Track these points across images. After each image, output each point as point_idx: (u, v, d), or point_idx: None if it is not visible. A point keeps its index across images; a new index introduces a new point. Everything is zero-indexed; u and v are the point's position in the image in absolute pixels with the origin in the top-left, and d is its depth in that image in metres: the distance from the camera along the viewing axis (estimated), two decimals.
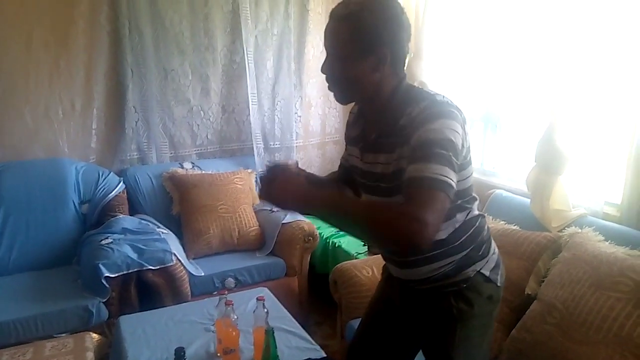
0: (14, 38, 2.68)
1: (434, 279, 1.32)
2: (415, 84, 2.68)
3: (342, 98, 1.31)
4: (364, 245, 2.76)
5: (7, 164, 2.72)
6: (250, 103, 3.22)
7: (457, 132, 1.13)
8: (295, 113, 3.44)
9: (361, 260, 2.32)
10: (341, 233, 2.94)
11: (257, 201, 3.06)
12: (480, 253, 1.33)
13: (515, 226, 2.10)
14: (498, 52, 2.49)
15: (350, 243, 2.81)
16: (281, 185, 1.13)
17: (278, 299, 2.19)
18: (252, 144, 3.28)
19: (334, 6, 1.23)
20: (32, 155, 2.83)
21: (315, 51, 3.40)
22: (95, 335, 1.96)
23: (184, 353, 1.34)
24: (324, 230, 2.98)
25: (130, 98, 2.97)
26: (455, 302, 1.31)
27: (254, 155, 3.28)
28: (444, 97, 1.22)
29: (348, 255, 2.70)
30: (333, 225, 1.22)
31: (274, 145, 3.41)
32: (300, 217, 2.87)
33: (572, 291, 1.64)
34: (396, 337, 1.49)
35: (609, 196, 2.02)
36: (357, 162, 1.37)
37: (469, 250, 1.31)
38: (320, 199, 1.12)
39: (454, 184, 1.07)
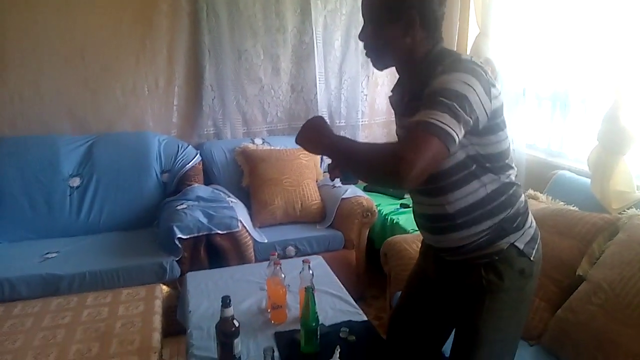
0: (105, 22, 2.99)
1: (466, 249, 1.32)
2: (481, 60, 2.64)
3: (378, 64, 1.34)
4: None
5: (100, 135, 3.07)
6: (317, 82, 3.34)
7: (471, 86, 1.11)
8: (362, 92, 3.50)
9: (412, 235, 2.36)
10: (400, 210, 2.98)
11: (321, 177, 3.19)
12: (514, 225, 1.30)
13: (574, 207, 2.03)
14: (566, 30, 2.38)
15: (408, 220, 2.84)
16: (308, 130, 1.23)
17: (336, 270, 2.28)
18: None
19: None
20: (121, 128, 3.16)
21: None
22: (164, 287, 2.20)
23: (230, 300, 1.49)
24: (384, 207, 3.04)
25: (207, 77, 3.20)
26: (485, 274, 1.30)
27: None
28: (471, 57, 1.22)
29: (405, 232, 2.74)
30: (342, 165, 1.27)
31: (340, 123, 3.50)
32: (360, 193, 2.95)
33: (621, 272, 1.59)
34: (431, 310, 1.51)
35: None
36: (397, 129, 1.43)
37: (501, 219, 1.28)
38: (330, 139, 1.20)
39: (454, 134, 1.06)
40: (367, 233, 2.93)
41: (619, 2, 1.93)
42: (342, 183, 1.47)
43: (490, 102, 1.16)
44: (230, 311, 1.48)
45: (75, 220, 2.88)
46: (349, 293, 2.04)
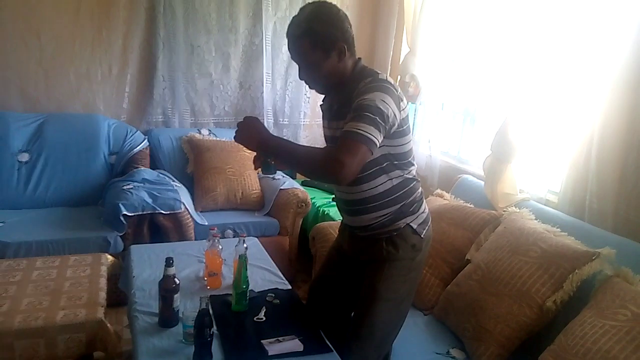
0: (64, 7, 3.14)
1: (372, 227, 1.66)
2: (407, 77, 3.04)
3: (322, 90, 1.67)
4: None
5: (51, 114, 3.20)
6: (264, 82, 3.62)
7: (387, 103, 1.45)
8: (305, 94, 3.81)
9: (337, 222, 2.68)
10: (332, 203, 3.31)
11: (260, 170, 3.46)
12: (411, 209, 1.66)
13: (471, 204, 2.43)
14: (478, 53, 2.81)
15: (337, 212, 3.16)
16: (247, 129, 1.51)
17: (270, 254, 2.52)
18: (264, 118, 3.68)
19: None
20: (72, 110, 3.30)
21: None
22: (109, 257, 2.40)
23: (172, 261, 1.74)
24: (318, 199, 3.36)
25: (159, 68, 3.40)
26: (385, 246, 1.65)
27: None
28: (386, 76, 1.56)
29: (333, 221, 3.07)
30: (282, 161, 1.59)
31: (283, 121, 3.80)
32: (297, 185, 3.26)
33: (495, 255, 1.98)
34: (344, 278, 1.84)
35: (552, 185, 2.34)
36: (326, 131, 1.75)
37: (401, 205, 1.64)
38: (273, 141, 1.51)
39: (375, 140, 1.40)
40: (300, 222, 3.23)
41: (515, 32, 2.36)
42: (262, 173, 1.75)
43: (400, 112, 1.52)
44: (172, 270, 1.73)
45: (22, 194, 3.00)
46: (286, 280, 2.31)
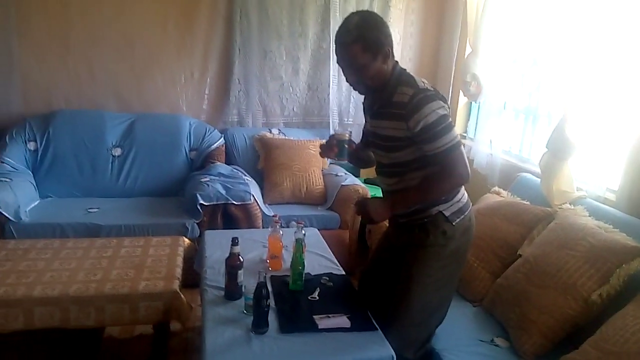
0: (154, 19, 3.52)
1: (409, 213, 1.80)
2: (468, 76, 3.09)
3: (366, 91, 1.82)
4: None
5: (141, 114, 3.59)
6: (331, 84, 3.81)
7: (440, 107, 1.63)
8: None
9: None
10: None
11: (326, 166, 3.66)
12: (444, 197, 1.76)
13: (527, 202, 2.45)
14: (539, 51, 2.81)
15: None
16: (371, 213, 1.75)
17: (331, 246, 2.68)
18: (330, 118, 3.87)
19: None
20: (159, 110, 3.68)
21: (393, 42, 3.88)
22: (186, 240, 2.68)
23: (238, 241, 1.96)
24: (378, 195, 3.48)
25: (235, 72, 3.70)
26: (417, 232, 1.79)
27: (330, 128, 3.87)
28: (424, 83, 1.69)
29: None
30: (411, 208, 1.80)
31: (347, 121, 3.96)
32: (358, 182, 3.41)
33: (544, 249, 2.01)
34: (392, 263, 1.97)
35: (611, 183, 2.31)
36: (368, 126, 1.90)
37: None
38: (395, 205, 1.77)
39: (456, 140, 1.63)
40: (360, 217, 3.37)
41: (573, 31, 2.36)
42: (337, 159, 1.98)
43: (447, 109, 1.67)
44: (237, 248, 1.95)
45: (114, 184, 3.41)
46: (343, 267, 2.46)
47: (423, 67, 4.01)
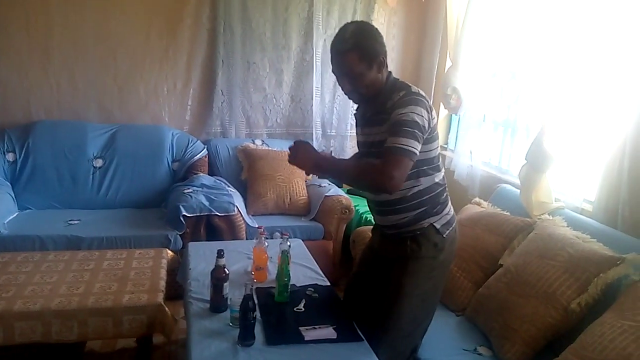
0: (138, 30, 3.51)
1: (399, 225, 1.82)
2: (449, 89, 3.16)
3: (360, 99, 1.84)
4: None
5: (123, 125, 3.57)
6: (314, 95, 3.85)
7: (421, 115, 1.63)
8: (352, 107, 3.99)
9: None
10: None
11: (310, 177, 3.68)
12: (435, 210, 1.80)
13: (507, 212, 2.51)
14: (517, 65, 2.91)
15: None
16: (300, 153, 1.72)
17: (315, 257, 2.68)
18: (312, 129, 3.90)
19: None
20: (141, 121, 3.66)
21: None
22: (170, 252, 2.67)
23: (223, 253, 1.96)
24: (361, 207, 3.52)
25: (219, 83, 3.71)
26: (410, 244, 1.80)
27: (313, 139, 3.90)
28: (417, 89, 1.72)
29: None
30: (335, 179, 1.79)
31: (330, 132, 4.00)
32: (341, 193, 3.43)
33: (524, 259, 2.06)
34: (376, 275, 1.97)
35: (588, 194, 2.38)
36: (360, 137, 1.92)
37: (426, 206, 1.79)
38: (325, 163, 1.73)
39: (415, 151, 1.58)
40: (344, 228, 3.40)
41: (556, 49, 2.44)
42: (318, 177, 2.01)
43: (430, 121, 1.69)
44: (222, 261, 1.95)
45: (95, 196, 3.37)
46: (326, 278, 2.48)
47: (404, 80, 4.05)
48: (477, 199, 2.76)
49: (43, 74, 3.42)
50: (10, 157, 3.26)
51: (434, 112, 1.73)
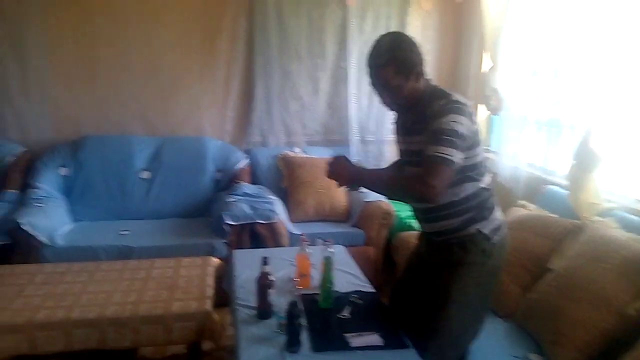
0: (179, 44, 3.63)
1: (446, 231, 1.80)
2: (488, 90, 3.10)
3: (399, 110, 1.85)
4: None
5: (167, 138, 3.68)
6: (351, 101, 3.86)
7: (461, 123, 1.62)
8: (390, 112, 3.97)
9: (417, 231, 2.81)
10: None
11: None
12: (482, 216, 1.76)
13: (556, 214, 2.44)
14: (560, 63, 2.82)
15: None
16: (337, 167, 1.75)
17: (358, 264, 2.72)
18: (350, 136, 3.91)
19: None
20: (184, 133, 3.77)
21: None
22: (216, 260, 2.73)
23: (268, 260, 2.00)
24: (402, 212, 3.50)
25: (257, 93, 3.78)
26: (456, 250, 1.78)
27: (351, 146, 3.92)
28: (458, 96, 1.70)
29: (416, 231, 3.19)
30: (374, 191, 1.80)
31: (368, 138, 4.00)
32: (381, 198, 3.42)
33: (575, 262, 2.00)
34: (422, 281, 1.94)
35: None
36: (401, 145, 1.92)
37: (473, 212, 1.76)
38: (363, 176, 1.76)
39: (455, 160, 1.57)
40: (385, 233, 3.39)
41: (599, 45, 2.36)
42: (351, 190, 2.02)
43: (472, 128, 1.67)
44: (268, 268, 1.99)
45: (143, 206, 3.49)
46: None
47: (441, 83, 3.98)
48: (522, 202, 2.70)
49: (90, 90, 3.58)
50: (62, 171, 3.42)
51: (475, 118, 1.71)
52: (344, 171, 1.75)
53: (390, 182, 1.75)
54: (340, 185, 1.82)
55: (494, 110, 3.22)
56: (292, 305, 1.76)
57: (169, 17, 3.57)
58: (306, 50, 3.78)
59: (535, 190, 2.83)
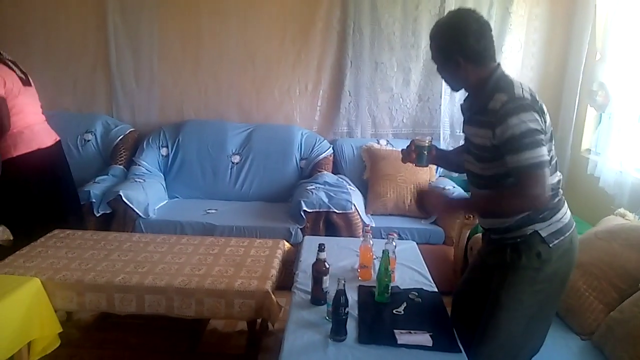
0: (274, 35, 3.75)
1: (499, 230, 1.69)
2: (595, 85, 2.80)
3: (452, 88, 1.79)
4: None
5: (259, 125, 3.85)
6: (443, 94, 3.70)
7: (534, 119, 1.50)
8: None
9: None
10: None
11: (434, 179, 3.56)
12: (540, 217, 1.61)
13: None
14: None
15: None
16: (430, 200, 1.78)
17: (434, 263, 2.58)
18: (440, 129, 3.76)
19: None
20: (275, 121, 3.91)
21: (513, 50, 3.66)
22: (286, 243, 2.80)
23: (324, 247, 2.00)
24: None
25: (346, 84, 3.78)
26: (509, 252, 1.65)
27: (440, 139, 3.76)
28: (522, 90, 1.56)
29: None
30: (472, 214, 1.76)
31: (459, 133, 3.81)
32: (465, 196, 3.25)
33: None
34: (485, 282, 1.86)
35: None
36: (465, 129, 1.81)
37: (529, 212, 1.61)
38: (457, 205, 1.81)
39: (544, 158, 1.48)
40: (467, 233, 3.22)
41: None
42: (416, 165, 1.96)
43: (543, 122, 1.54)
44: (323, 255, 1.99)
45: (232, 188, 3.69)
46: (444, 286, 2.33)
47: (548, 77, 3.71)
48: (621, 210, 2.40)
49: (193, 78, 3.85)
50: (164, 151, 3.73)
51: (545, 110, 1.58)
52: (437, 201, 1.79)
53: (490, 204, 1.68)
54: (434, 214, 1.85)
55: (599, 108, 2.88)
56: (338, 294, 1.75)
57: (266, 8, 3.71)
58: (399, 40, 3.70)
59: None
